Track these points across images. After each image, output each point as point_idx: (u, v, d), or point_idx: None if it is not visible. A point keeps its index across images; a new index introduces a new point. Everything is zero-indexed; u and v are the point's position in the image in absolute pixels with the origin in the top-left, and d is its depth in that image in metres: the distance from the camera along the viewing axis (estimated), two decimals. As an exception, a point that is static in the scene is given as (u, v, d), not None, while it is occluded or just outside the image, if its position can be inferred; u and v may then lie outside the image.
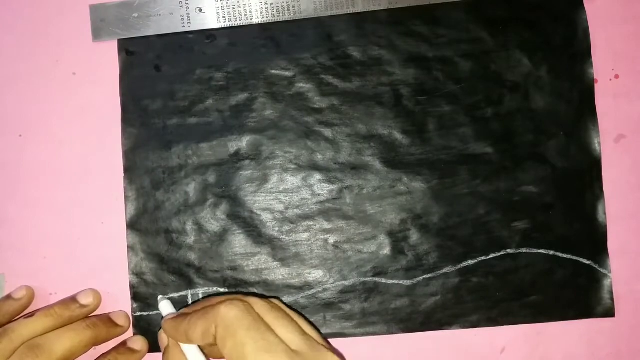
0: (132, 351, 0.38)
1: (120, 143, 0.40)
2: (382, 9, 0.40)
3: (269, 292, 0.39)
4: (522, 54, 0.40)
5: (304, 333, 0.32)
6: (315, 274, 0.39)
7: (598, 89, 0.40)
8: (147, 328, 0.39)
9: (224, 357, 0.31)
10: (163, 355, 0.35)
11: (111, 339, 0.38)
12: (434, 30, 0.40)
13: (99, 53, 0.41)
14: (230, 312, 0.31)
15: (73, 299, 0.38)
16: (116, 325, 0.38)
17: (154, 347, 0.39)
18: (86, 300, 0.38)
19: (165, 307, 0.37)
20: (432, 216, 0.39)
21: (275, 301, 0.34)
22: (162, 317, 0.36)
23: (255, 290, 0.39)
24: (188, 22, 0.40)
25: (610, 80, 0.40)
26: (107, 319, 0.38)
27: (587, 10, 0.40)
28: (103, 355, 0.37)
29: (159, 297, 0.38)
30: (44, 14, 0.41)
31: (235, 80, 0.40)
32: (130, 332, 0.39)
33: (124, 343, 0.38)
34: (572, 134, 0.39)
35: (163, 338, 0.35)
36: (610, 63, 0.40)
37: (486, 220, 0.39)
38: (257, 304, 0.32)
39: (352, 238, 0.39)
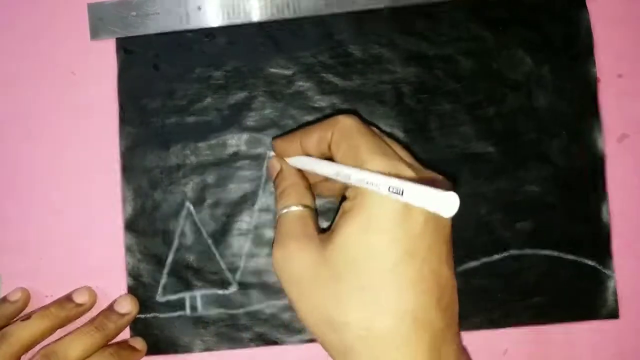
0: (134, 349, 0.38)
1: (118, 142, 0.40)
2: (382, 6, 0.40)
3: (268, 292, 0.39)
4: (524, 53, 0.39)
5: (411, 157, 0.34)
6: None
7: (601, 88, 0.40)
8: (145, 330, 0.39)
9: (329, 194, 0.35)
10: (275, 180, 0.36)
11: (120, 333, 0.38)
12: (435, 28, 0.40)
13: (96, 52, 0.40)
14: (347, 120, 0.32)
15: (68, 299, 0.38)
16: (121, 315, 0.38)
17: (151, 349, 0.38)
18: (81, 298, 0.38)
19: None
20: (434, 216, 0.39)
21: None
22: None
23: (254, 293, 0.39)
24: (187, 21, 0.40)
25: (614, 79, 0.40)
26: (112, 313, 0.38)
27: (590, 9, 0.40)
28: (105, 347, 0.37)
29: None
30: (41, 12, 0.41)
31: (234, 79, 0.40)
32: (127, 334, 0.39)
33: (125, 341, 0.38)
34: (574, 133, 0.39)
35: (274, 164, 0.36)
36: (614, 62, 0.40)
37: (488, 220, 0.39)
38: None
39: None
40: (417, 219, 0.29)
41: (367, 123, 0.33)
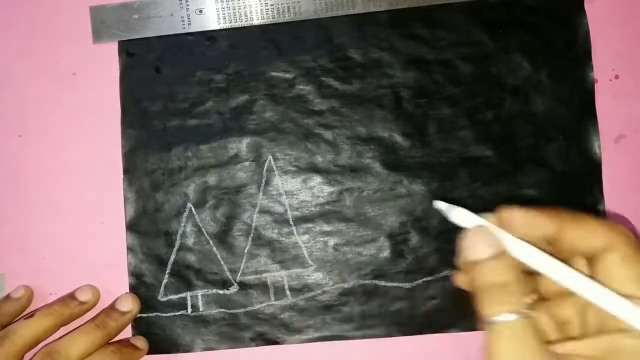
0: (135, 347, 0.38)
1: (120, 144, 0.40)
2: (382, 10, 0.40)
3: (268, 292, 0.39)
4: (522, 57, 0.40)
5: None
6: (314, 276, 0.39)
7: (598, 89, 0.40)
8: (147, 329, 0.39)
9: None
10: (485, 266, 0.27)
11: (121, 331, 0.38)
12: (434, 32, 0.40)
13: (99, 54, 0.40)
14: (631, 238, 0.26)
15: (71, 297, 0.38)
16: (123, 314, 0.38)
17: (153, 348, 0.39)
18: (85, 296, 0.38)
19: (468, 217, 0.28)
20: (432, 219, 0.39)
21: None
22: (459, 226, 0.28)
23: (255, 292, 0.39)
24: (188, 24, 0.40)
25: (610, 80, 0.40)
26: (113, 312, 0.38)
27: (586, 10, 0.40)
28: (107, 345, 0.37)
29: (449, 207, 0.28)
30: (44, 15, 0.41)
31: (235, 82, 0.40)
32: (129, 333, 0.39)
33: (127, 339, 0.39)
34: (572, 138, 0.39)
35: (493, 240, 0.27)
36: (610, 63, 0.40)
37: (486, 224, 0.39)
38: None
39: (351, 240, 0.39)
40: None
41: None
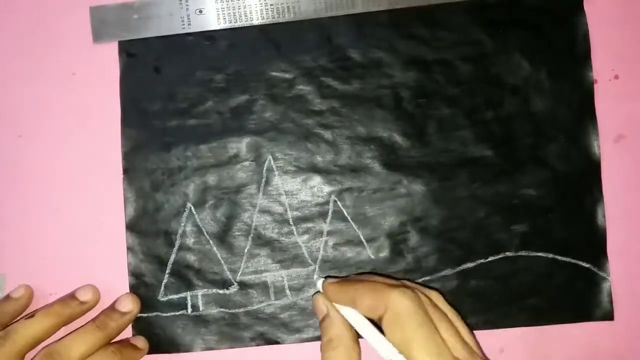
0: (135, 348, 0.38)
1: (120, 144, 0.40)
2: (382, 9, 0.40)
3: (268, 292, 0.39)
4: (522, 57, 0.40)
5: (463, 340, 0.32)
6: (314, 276, 0.39)
7: (597, 89, 0.40)
8: (147, 329, 0.39)
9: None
10: (321, 322, 0.35)
11: (121, 332, 0.38)
12: (434, 32, 0.40)
13: (99, 54, 0.40)
14: (403, 301, 0.31)
15: (72, 296, 0.38)
16: (123, 314, 0.38)
17: (153, 348, 0.39)
18: (85, 296, 0.38)
19: (319, 285, 0.36)
20: (432, 219, 0.39)
21: (437, 296, 0.34)
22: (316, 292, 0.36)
23: (254, 292, 0.39)
24: (188, 24, 0.40)
25: (610, 80, 0.40)
26: (114, 312, 0.38)
27: (586, 10, 0.40)
28: (107, 345, 0.37)
29: (317, 278, 0.38)
30: (44, 15, 0.41)
31: (235, 82, 0.40)
32: (129, 333, 0.39)
33: (127, 339, 0.39)
34: (571, 138, 0.39)
35: (320, 305, 0.35)
36: (610, 63, 0.40)
37: (485, 223, 0.39)
38: (424, 299, 0.33)
39: (351, 240, 0.39)
40: None
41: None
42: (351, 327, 0.34)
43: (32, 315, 0.37)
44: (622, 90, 0.40)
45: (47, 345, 0.36)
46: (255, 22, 0.40)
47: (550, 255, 0.39)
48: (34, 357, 0.35)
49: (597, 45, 0.40)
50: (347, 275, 0.39)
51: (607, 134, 0.40)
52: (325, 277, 0.37)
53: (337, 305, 0.34)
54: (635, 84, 0.40)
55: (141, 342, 0.39)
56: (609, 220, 0.39)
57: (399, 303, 0.31)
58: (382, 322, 0.32)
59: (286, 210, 0.40)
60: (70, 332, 0.37)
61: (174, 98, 0.40)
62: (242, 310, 0.39)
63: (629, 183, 0.40)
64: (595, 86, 0.40)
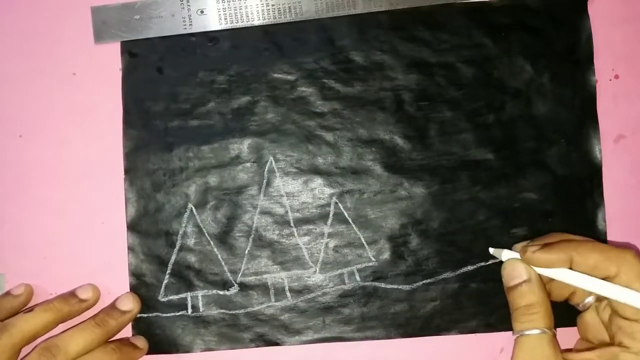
0: (135, 347, 0.38)
1: (122, 144, 0.40)
2: (383, 10, 0.40)
3: (268, 295, 0.39)
4: (524, 61, 0.40)
5: None
6: (315, 278, 0.39)
7: (598, 89, 0.40)
8: (147, 329, 0.39)
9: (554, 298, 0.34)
10: (515, 288, 0.34)
11: (121, 330, 0.38)
12: (436, 35, 0.40)
13: (100, 55, 0.40)
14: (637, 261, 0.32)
15: (72, 294, 0.38)
16: (123, 313, 0.38)
17: (153, 348, 0.39)
18: (85, 294, 0.38)
19: (507, 253, 0.36)
20: (432, 221, 0.39)
21: None
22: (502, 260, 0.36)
23: (255, 293, 0.39)
24: (190, 24, 0.40)
25: (610, 80, 0.40)
26: (114, 311, 0.38)
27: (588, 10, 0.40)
28: (107, 343, 0.37)
29: (495, 250, 0.37)
30: (45, 16, 0.41)
31: (237, 83, 0.40)
32: (129, 333, 0.39)
33: (127, 338, 0.39)
34: (573, 141, 0.39)
35: (521, 270, 0.34)
36: (610, 63, 0.40)
37: (486, 227, 0.39)
38: None
39: (352, 242, 0.40)
40: None
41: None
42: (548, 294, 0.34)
43: (30, 309, 0.37)
44: (622, 91, 0.40)
45: (45, 340, 0.36)
46: (257, 22, 0.40)
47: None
48: (32, 350, 0.35)
49: (597, 45, 0.40)
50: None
51: (607, 134, 0.40)
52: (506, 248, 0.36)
53: (548, 271, 0.34)
54: (635, 84, 0.40)
55: (141, 342, 0.39)
56: (608, 219, 0.39)
57: (635, 262, 0.32)
58: (617, 280, 0.32)
59: (287, 212, 0.40)
60: (69, 328, 0.37)
61: (176, 99, 0.40)
62: (242, 311, 0.39)
63: (629, 182, 0.40)
64: (596, 86, 0.40)
